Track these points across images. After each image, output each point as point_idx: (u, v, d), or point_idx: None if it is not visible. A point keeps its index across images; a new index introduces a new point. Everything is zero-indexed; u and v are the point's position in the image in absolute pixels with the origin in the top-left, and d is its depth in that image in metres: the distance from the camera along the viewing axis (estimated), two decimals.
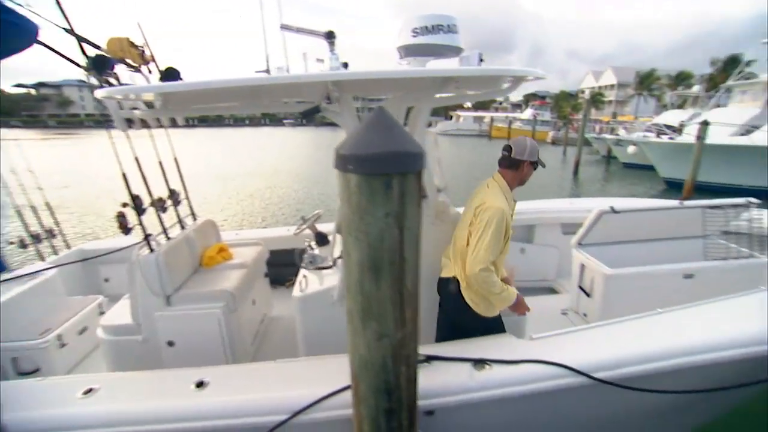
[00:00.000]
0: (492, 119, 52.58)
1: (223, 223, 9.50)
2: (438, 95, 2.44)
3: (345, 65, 2.33)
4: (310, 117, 2.25)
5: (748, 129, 18.38)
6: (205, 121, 66.58)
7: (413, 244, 1.32)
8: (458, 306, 2.35)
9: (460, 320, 2.37)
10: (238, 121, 73.15)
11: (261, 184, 15.41)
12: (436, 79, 2.18)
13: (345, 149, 1.25)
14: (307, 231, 3.37)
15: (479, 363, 1.98)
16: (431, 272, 2.49)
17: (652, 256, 3.71)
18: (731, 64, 34.94)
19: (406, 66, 2.37)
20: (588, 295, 3.51)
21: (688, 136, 15.60)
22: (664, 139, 16.98)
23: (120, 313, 2.77)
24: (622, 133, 23.30)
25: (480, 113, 61.83)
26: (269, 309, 3.73)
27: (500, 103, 79.23)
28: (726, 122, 20.10)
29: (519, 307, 2.39)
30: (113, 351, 2.68)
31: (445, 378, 1.91)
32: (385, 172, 1.22)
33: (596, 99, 60.51)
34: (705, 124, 12.66)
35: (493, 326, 2.37)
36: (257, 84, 1.85)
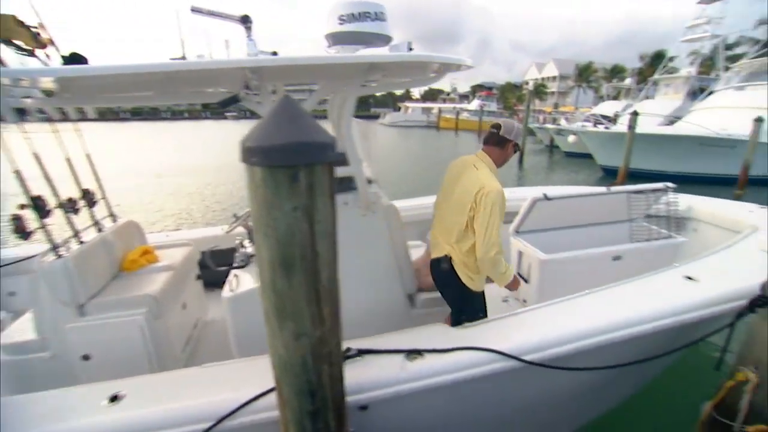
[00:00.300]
0: (440, 110, 53.37)
1: (157, 224, 8.99)
2: (364, 84, 2.41)
3: (274, 53, 2.24)
4: (229, 107, 2.14)
5: (672, 119, 20.02)
6: (138, 114, 62.43)
7: (326, 238, 1.28)
8: (449, 282, 2.54)
9: (451, 295, 2.59)
10: (176, 114, 69.17)
11: (201, 181, 14.74)
12: (361, 67, 2.15)
13: (250, 141, 1.19)
14: (240, 229, 3.24)
15: (412, 353, 2.00)
16: (369, 263, 2.47)
17: (584, 240, 3.93)
18: (657, 59, 37.82)
19: (334, 54, 2.32)
20: (526, 281, 3.66)
21: (622, 125, 16.74)
22: (600, 128, 18.07)
23: (22, 329, 2.52)
24: (563, 123, 24.59)
25: (428, 104, 62.70)
26: (203, 312, 3.57)
27: (448, 95, 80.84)
28: (653, 113, 21.81)
29: (515, 284, 2.58)
30: (14, 372, 2.44)
31: (377, 371, 1.91)
32: (290, 163, 1.17)
33: (539, 90, 63.30)
34: (635, 114, 13.67)
35: (481, 300, 2.61)
36: (165, 70, 1.73)
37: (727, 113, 17.00)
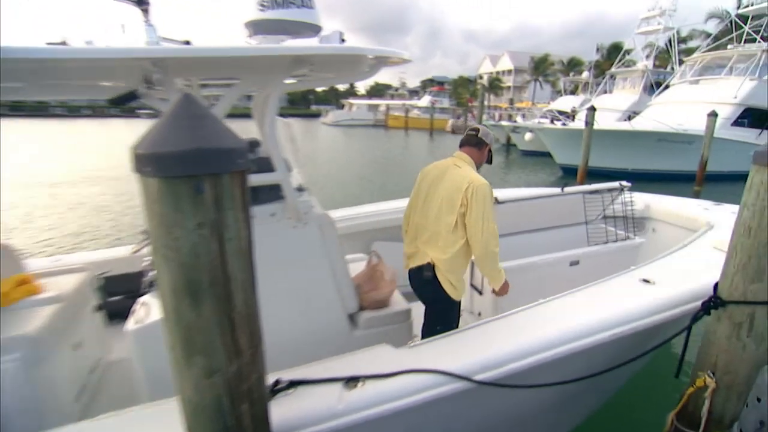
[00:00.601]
0: (388, 107, 54.28)
1: (53, 246, 8.36)
2: (290, 80, 2.40)
3: (186, 43, 2.17)
4: (126, 104, 2.05)
5: (630, 115, 21.61)
6: (19, 109, 57.56)
7: (241, 257, 1.26)
8: (430, 290, 2.74)
9: (430, 305, 2.82)
10: (73, 111, 64.67)
11: (109, 191, 13.92)
12: (285, 60, 2.14)
13: (142, 147, 1.14)
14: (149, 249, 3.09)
15: (351, 381, 1.98)
16: (301, 280, 2.45)
17: (540, 245, 4.13)
18: (614, 52, 40.66)
19: (254, 45, 2.30)
20: (480, 293, 3.77)
21: (580, 121, 17.81)
22: (558, 125, 19.15)
23: None
24: (519, 120, 25.76)
25: (374, 101, 63.47)
26: (106, 351, 3.35)
27: (396, 90, 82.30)
28: (611, 108, 23.46)
29: (505, 288, 2.79)
30: None
31: (311, 405, 1.87)
32: (192, 173, 1.14)
33: (494, 85, 65.97)
34: (592, 110, 14.57)
35: (457, 312, 2.83)
36: (22, 57, 1.59)
37: (683, 108, 18.63)
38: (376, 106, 58.19)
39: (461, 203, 2.59)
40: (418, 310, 3.97)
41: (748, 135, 16.91)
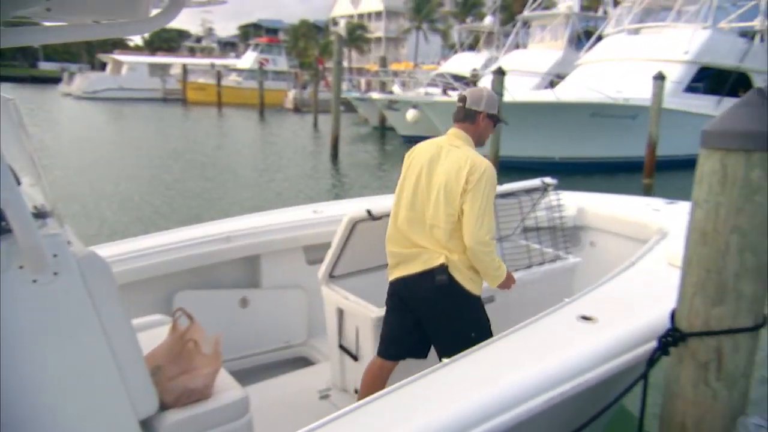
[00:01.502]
0: (185, 70, 52.59)
1: None
2: (13, 30, 2.31)
3: None
4: None
5: (553, 79, 24.05)
6: None
7: None
8: (449, 296, 3.42)
9: (454, 314, 3.48)
10: None
11: None
12: None
13: None
14: None
15: None
16: (55, 370, 2.35)
17: None
18: None
19: None
20: (355, 358, 3.91)
21: None
22: (454, 96, 20.41)
23: None
24: (396, 90, 26.94)
25: (161, 58, 61.44)
26: None
27: (198, 41, 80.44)
28: (526, 69, 25.80)
29: (508, 282, 3.61)
30: None
31: None
32: None
33: (356, 36, 68.36)
34: (500, 73, 15.77)
35: (482, 306, 3.61)
36: None
37: (621, 68, 21.18)
38: (166, 67, 56.44)
39: (463, 189, 3.29)
40: (277, 387, 3.93)
41: (706, 104, 19.68)
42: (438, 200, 3.37)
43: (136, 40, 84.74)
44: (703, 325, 2.71)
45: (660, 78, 16.56)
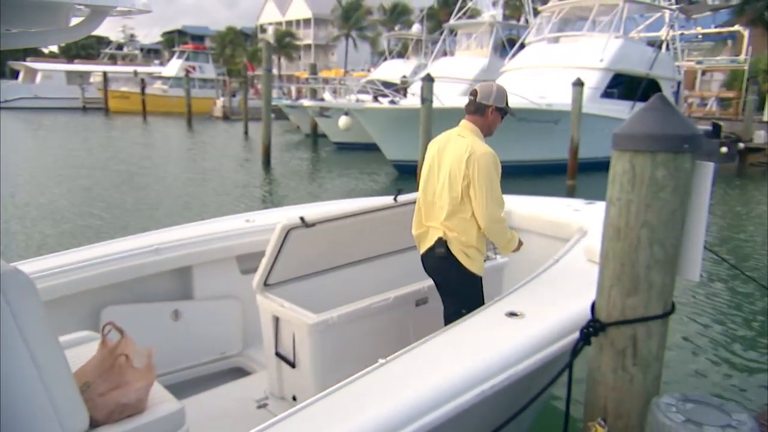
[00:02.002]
0: (106, 78, 51.45)
1: None
2: None
3: None
4: None
5: None
6: None
7: None
8: (447, 269, 3.94)
9: (451, 286, 4.02)
10: None
11: None
12: None
13: None
14: None
15: None
16: None
17: (372, 282, 4.51)
18: None
19: None
20: (292, 365, 3.95)
21: (414, 97, 19.43)
22: (385, 103, 20.61)
23: None
24: (327, 97, 26.94)
25: (80, 66, 59.31)
26: None
27: (120, 48, 77.92)
28: (454, 76, 26.22)
29: (518, 247, 4.11)
30: None
31: None
32: None
33: (285, 43, 67.92)
34: (429, 80, 16.11)
35: (481, 287, 4.00)
36: None
37: (543, 75, 21.88)
38: (85, 75, 54.75)
39: (464, 175, 3.75)
40: (213, 398, 3.88)
41: (621, 109, 20.60)
42: (444, 185, 3.87)
43: (51, 47, 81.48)
44: (620, 314, 2.88)
45: (579, 84, 17.24)
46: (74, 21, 2.54)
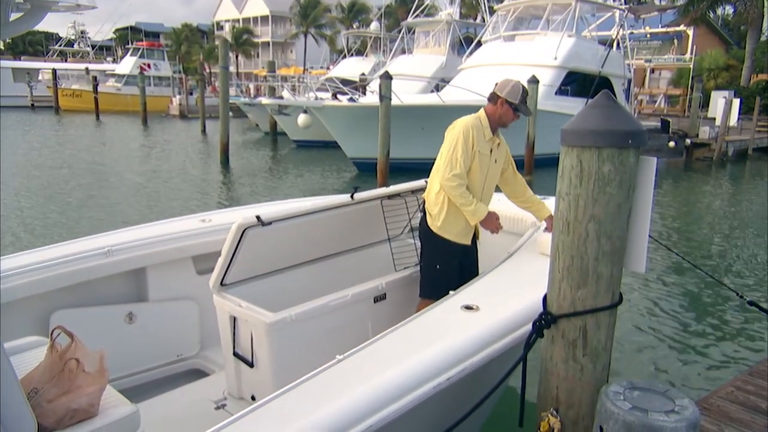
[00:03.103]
0: (56, 75, 50.11)
1: None
2: None
3: None
4: None
5: (438, 83, 24.66)
6: None
7: None
8: (423, 229, 4.56)
9: (422, 242, 4.59)
10: None
11: None
12: None
13: None
14: None
15: None
16: None
17: (329, 279, 4.52)
18: None
19: None
20: (250, 364, 3.94)
21: (374, 94, 19.47)
22: (344, 101, 20.58)
23: None
24: (286, 95, 26.79)
25: (27, 63, 57.64)
26: None
27: (71, 45, 75.77)
28: (412, 74, 26.35)
29: (488, 223, 4.40)
30: None
31: None
32: None
33: (243, 41, 67.32)
34: (387, 78, 16.16)
35: (442, 253, 4.44)
36: None
37: (499, 72, 21.94)
38: (33, 72, 53.09)
39: (443, 146, 4.33)
40: (158, 406, 3.83)
41: (575, 106, 20.79)
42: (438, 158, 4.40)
43: None
44: (570, 306, 2.94)
45: (534, 81, 17.49)
46: (14, 16, 2.48)
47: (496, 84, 4.42)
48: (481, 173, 4.38)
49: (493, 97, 4.38)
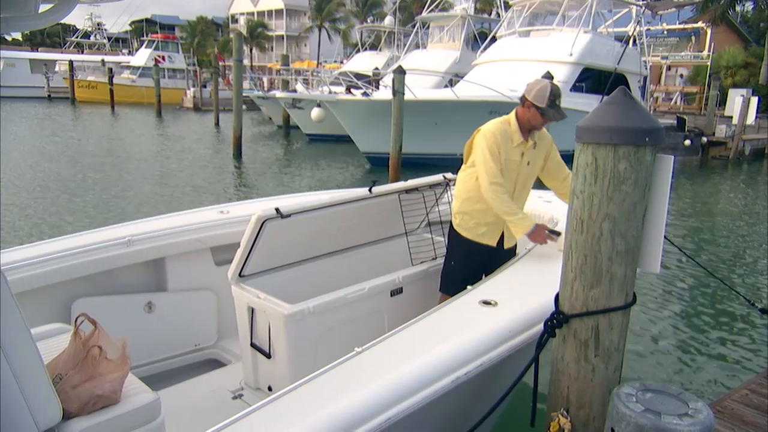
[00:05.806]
0: (72, 67, 50.34)
1: None
2: None
3: None
4: None
5: (452, 78, 24.63)
6: None
7: None
8: (449, 228, 4.62)
9: (447, 245, 4.70)
10: None
11: None
12: None
13: None
14: None
15: None
16: None
17: (347, 273, 4.53)
18: None
19: None
20: (268, 355, 3.95)
21: (387, 89, 19.46)
22: (357, 95, 20.57)
23: None
24: (300, 88, 26.85)
25: (45, 54, 57.94)
26: None
27: (87, 37, 75.93)
28: (426, 69, 26.29)
29: (536, 236, 4.20)
30: None
31: None
32: None
33: (257, 34, 67.52)
34: (401, 72, 16.11)
35: (460, 251, 4.52)
36: None
37: (514, 68, 21.96)
38: (50, 64, 53.49)
39: (471, 150, 4.42)
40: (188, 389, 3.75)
41: (590, 102, 20.66)
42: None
43: (15, 34, 79.67)
44: (582, 306, 2.90)
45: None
46: (43, 8, 2.48)
47: (527, 84, 4.26)
48: (510, 180, 4.30)
49: (522, 99, 4.24)
